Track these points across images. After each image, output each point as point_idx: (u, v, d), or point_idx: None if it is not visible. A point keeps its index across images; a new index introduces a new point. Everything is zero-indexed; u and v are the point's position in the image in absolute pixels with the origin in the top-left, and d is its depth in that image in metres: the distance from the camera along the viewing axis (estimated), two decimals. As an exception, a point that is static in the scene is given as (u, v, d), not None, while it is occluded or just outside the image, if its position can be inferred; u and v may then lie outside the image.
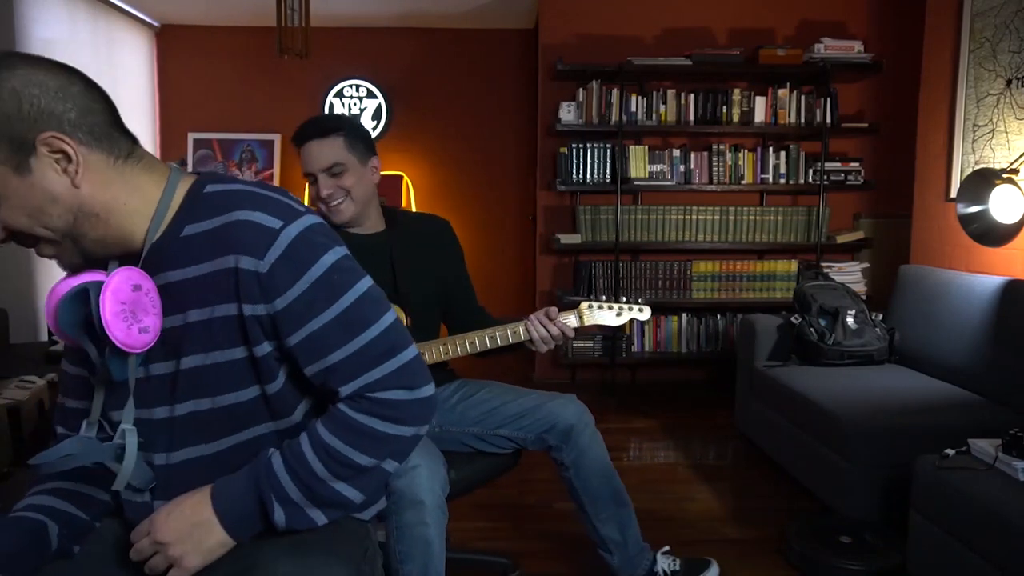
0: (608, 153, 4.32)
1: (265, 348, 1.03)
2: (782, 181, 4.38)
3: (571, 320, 1.88)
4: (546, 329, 1.84)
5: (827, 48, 4.16)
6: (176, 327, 1.02)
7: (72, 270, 1.02)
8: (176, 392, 1.04)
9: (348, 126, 1.81)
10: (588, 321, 1.90)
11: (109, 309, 0.94)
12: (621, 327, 2.00)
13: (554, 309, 1.86)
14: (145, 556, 1.01)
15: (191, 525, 1.00)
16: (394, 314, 1.10)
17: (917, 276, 3.19)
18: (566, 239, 4.33)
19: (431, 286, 1.95)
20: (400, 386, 1.06)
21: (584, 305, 1.91)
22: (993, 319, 2.64)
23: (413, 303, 1.89)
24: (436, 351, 1.86)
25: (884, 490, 2.40)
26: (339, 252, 1.04)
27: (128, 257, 1.02)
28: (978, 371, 2.68)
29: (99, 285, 0.96)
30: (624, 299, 1.94)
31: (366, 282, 1.07)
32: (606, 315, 1.91)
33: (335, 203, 1.81)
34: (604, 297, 1.94)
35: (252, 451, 1.06)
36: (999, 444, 1.96)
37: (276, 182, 5.38)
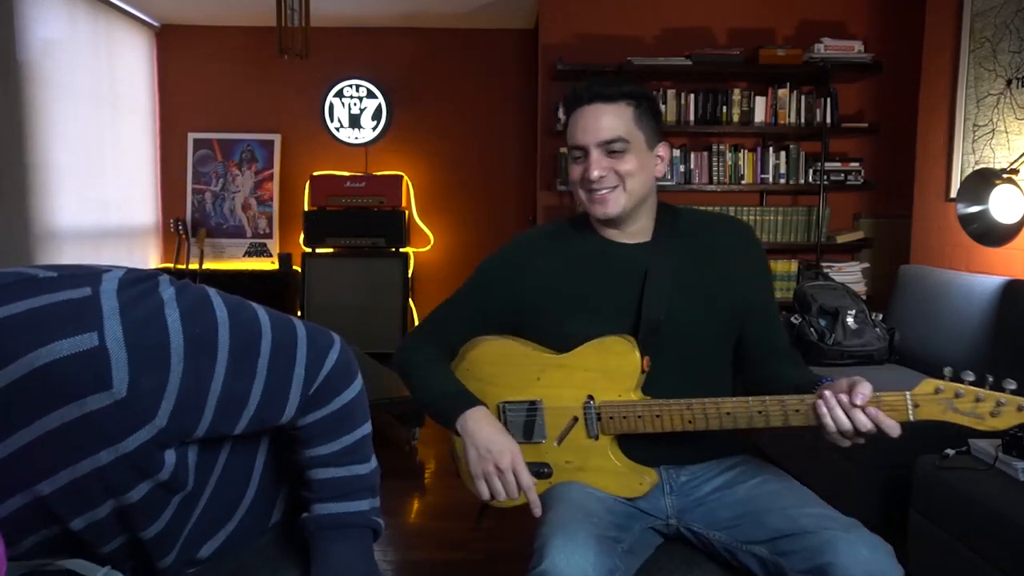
0: (608, 153, 4.31)
1: (171, 465, 0.82)
2: (782, 181, 4.37)
3: (901, 407, 1.17)
4: (848, 418, 1.16)
5: (827, 48, 4.15)
6: (29, 504, 0.79)
7: None
8: (93, 540, 0.86)
9: (641, 96, 1.40)
10: (934, 416, 1.17)
11: None
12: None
13: (866, 386, 1.16)
14: None
15: None
16: (254, 305, 0.90)
17: (917, 276, 3.18)
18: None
19: (707, 316, 1.40)
20: (321, 358, 0.93)
21: (930, 386, 1.17)
22: (993, 319, 2.64)
23: (664, 342, 1.37)
24: (675, 417, 1.30)
25: (884, 490, 2.40)
26: (168, 291, 0.80)
27: None
28: (978, 371, 2.68)
29: None
30: (1013, 386, 1.18)
31: (211, 293, 0.85)
32: (974, 410, 1.15)
33: (603, 190, 1.38)
34: (972, 377, 1.18)
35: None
36: (999, 444, 1.96)
37: (276, 182, 5.38)
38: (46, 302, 0.72)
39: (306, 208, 5.23)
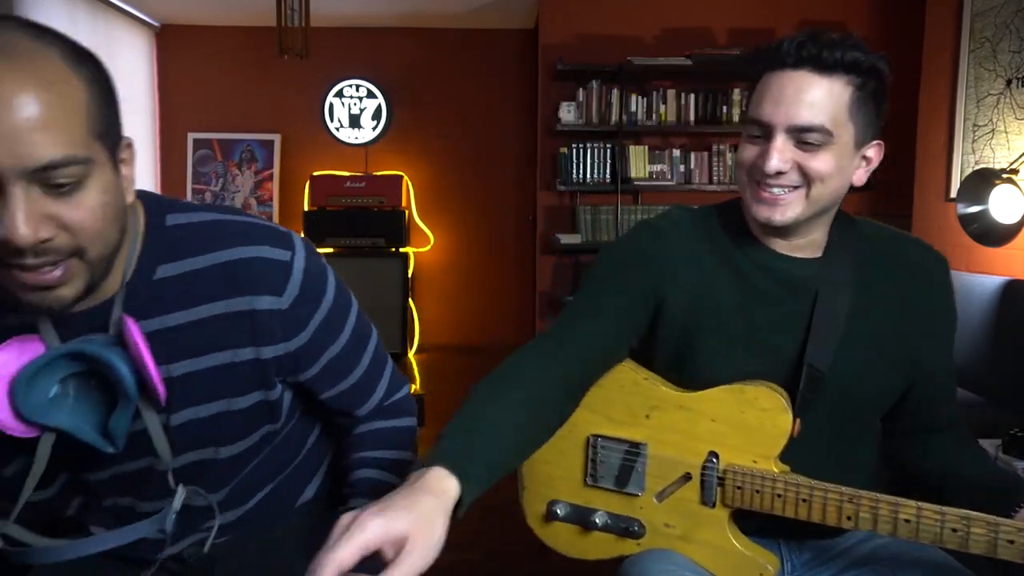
0: (608, 153, 4.32)
1: (279, 389, 0.96)
2: (782, 181, 4.37)
3: None
4: None
5: (827, 48, 4.16)
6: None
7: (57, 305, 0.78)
8: (175, 446, 0.93)
9: (871, 71, 0.99)
10: None
11: (151, 362, 0.81)
12: None
13: None
14: None
15: None
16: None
17: (917, 276, 3.19)
18: (566, 239, 4.33)
19: (875, 372, 1.07)
20: (400, 383, 1.11)
21: None
22: (993, 319, 2.64)
23: (829, 393, 1.04)
24: (830, 509, 0.99)
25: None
26: (327, 266, 0.98)
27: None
28: (978, 371, 2.68)
29: (92, 347, 0.81)
30: None
31: (345, 285, 1.02)
32: None
33: (774, 190, 1.00)
34: None
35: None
36: (999, 444, 1.96)
37: (276, 183, 5.39)
38: (259, 223, 0.93)
39: (306, 208, 5.23)
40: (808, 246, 1.08)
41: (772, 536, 1.10)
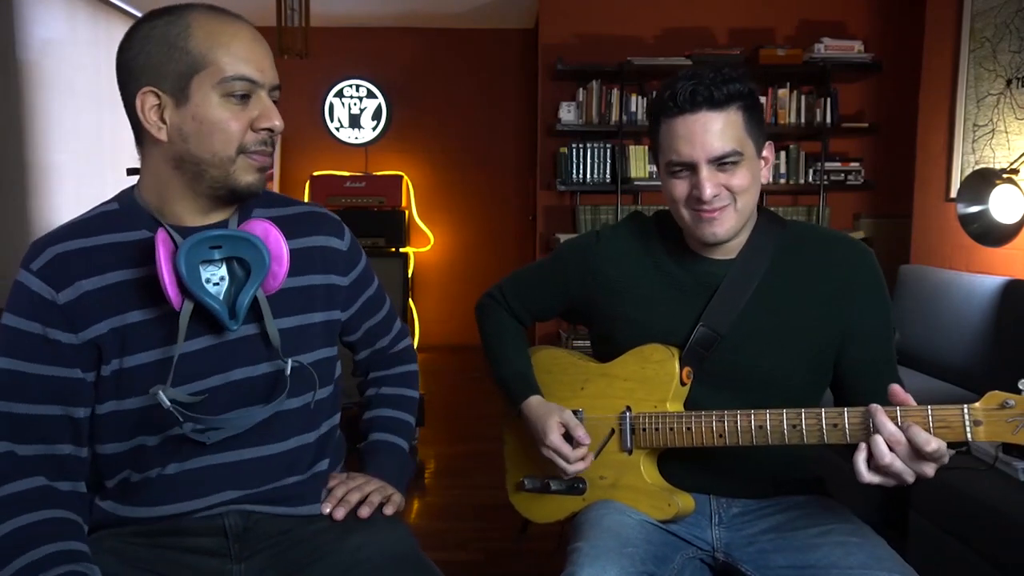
0: (608, 153, 4.32)
1: (338, 313, 1.21)
2: (782, 181, 4.38)
3: (957, 424, 0.98)
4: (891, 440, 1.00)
5: (827, 48, 4.16)
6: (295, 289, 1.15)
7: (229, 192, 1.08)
8: (284, 350, 1.10)
9: (751, 94, 1.17)
10: (1000, 436, 0.96)
11: (281, 237, 1.07)
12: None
13: (905, 395, 1.01)
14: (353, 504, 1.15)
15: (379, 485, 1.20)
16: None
17: (917, 276, 3.19)
18: (566, 239, 4.33)
19: (781, 350, 1.21)
20: (405, 335, 1.45)
21: (995, 399, 0.96)
22: (993, 319, 2.64)
23: (723, 362, 1.22)
24: (705, 430, 1.16)
25: (884, 490, 2.39)
26: None
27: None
28: (978, 371, 2.68)
29: (237, 231, 1.04)
30: None
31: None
32: None
33: (714, 211, 1.17)
34: None
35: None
36: (999, 444, 1.96)
37: (276, 183, 5.39)
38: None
39: (306, 208, 5.23)
40: (731, 249, 1.24)
41: (704, 492, 1.28)
